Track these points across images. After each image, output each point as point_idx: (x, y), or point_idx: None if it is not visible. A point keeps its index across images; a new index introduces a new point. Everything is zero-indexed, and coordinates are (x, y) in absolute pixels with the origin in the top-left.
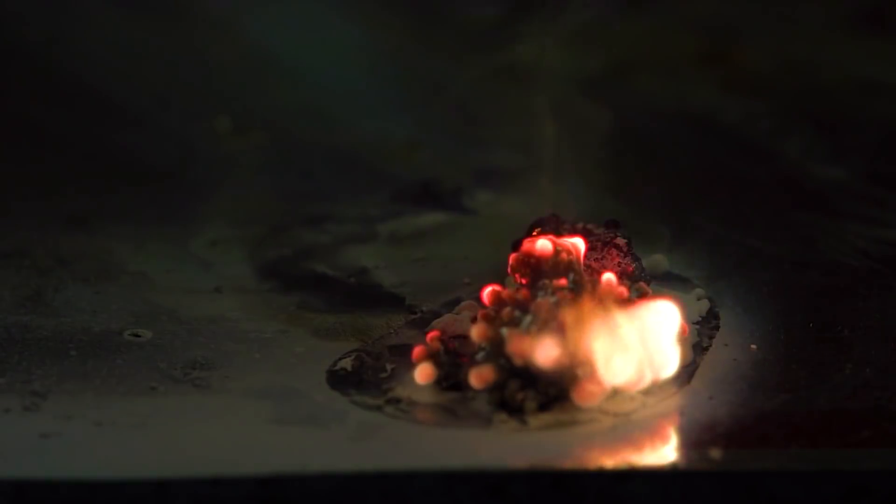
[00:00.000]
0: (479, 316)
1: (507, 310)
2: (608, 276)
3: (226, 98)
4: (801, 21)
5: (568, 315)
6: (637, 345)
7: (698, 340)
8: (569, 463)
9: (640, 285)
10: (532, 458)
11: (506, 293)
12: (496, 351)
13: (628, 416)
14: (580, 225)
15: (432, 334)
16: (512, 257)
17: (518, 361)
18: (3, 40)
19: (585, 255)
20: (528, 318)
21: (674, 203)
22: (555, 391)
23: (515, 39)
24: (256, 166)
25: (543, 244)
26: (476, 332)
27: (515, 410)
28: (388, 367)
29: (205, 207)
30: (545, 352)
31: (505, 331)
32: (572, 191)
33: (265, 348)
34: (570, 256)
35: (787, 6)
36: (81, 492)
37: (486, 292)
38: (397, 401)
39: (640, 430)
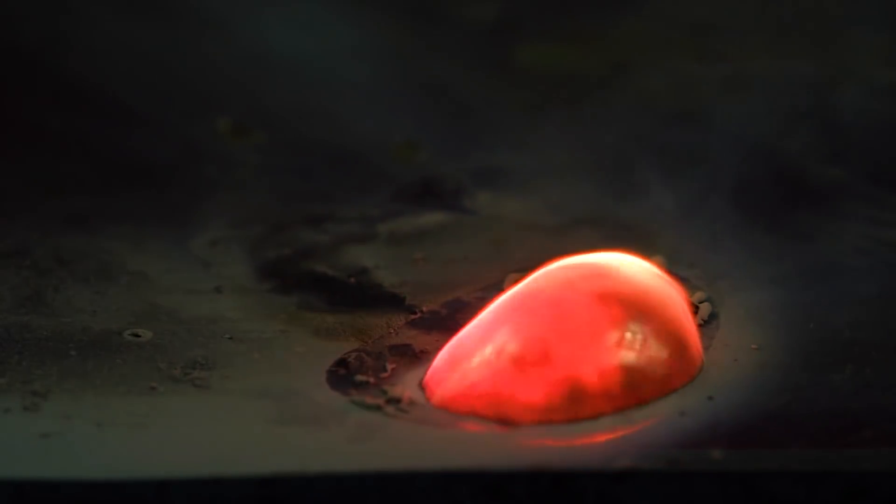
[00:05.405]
0: None
1: None
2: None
3: (226, 98)
4: (801, 20)
5: None
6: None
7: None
8: (569, 463)
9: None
10: (532, 458)
11: None
12: None
13: (628, 416)
14: None
15: None
16: None
17: None
18: (3, 40)
19: None
20: None
21: (674, 203)
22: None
23: (515, 39)
24: (256, 166)
25: None
26: None
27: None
28: (388, 367)
29: (205, 207)
30: None
31: None
32: (572, 191)
33: (265, 348)
34: None
35: (787, 6)
36: (81, 492)
37: None
38: (397, 401)
39: (640, 430)
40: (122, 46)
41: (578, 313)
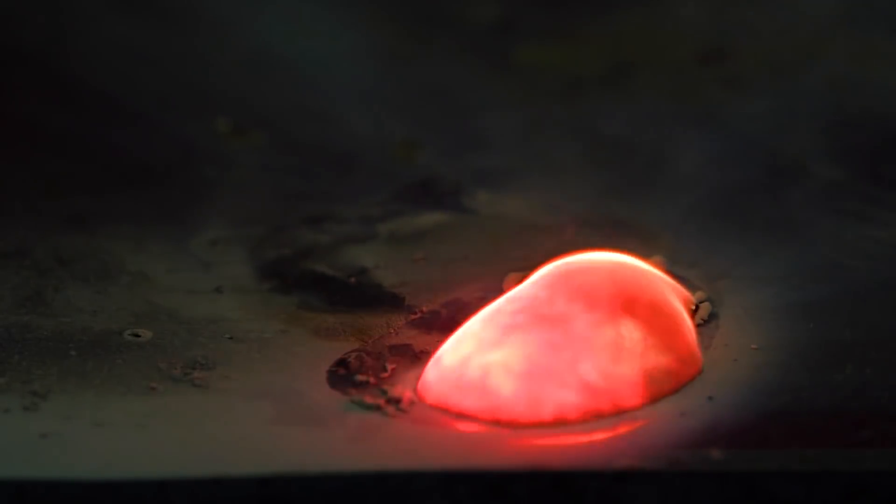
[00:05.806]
0: None
1: None
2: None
3: (226, 98)
4: (802, 20)
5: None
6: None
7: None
8: (569, 463)
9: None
10: (532, 458)
11: None
12: None
13: (628, 416)
14: None
15: None
16: None
17: None
18: (3, 40)
19: None
20: None
21: (673, 203)
22: None
23: (515, 39)
24: (256, 166)
25: None
26: None
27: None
28: (388, 367)
29: (205, 207)
30: None
31: None
32: (572, 191)
33: (265, 348)
34: None
35: (788, 5)
36: (81, 492)
37: None
38: (397, 401)
39: (640, 430)
40: (122, 46)
41: (578, 314)
